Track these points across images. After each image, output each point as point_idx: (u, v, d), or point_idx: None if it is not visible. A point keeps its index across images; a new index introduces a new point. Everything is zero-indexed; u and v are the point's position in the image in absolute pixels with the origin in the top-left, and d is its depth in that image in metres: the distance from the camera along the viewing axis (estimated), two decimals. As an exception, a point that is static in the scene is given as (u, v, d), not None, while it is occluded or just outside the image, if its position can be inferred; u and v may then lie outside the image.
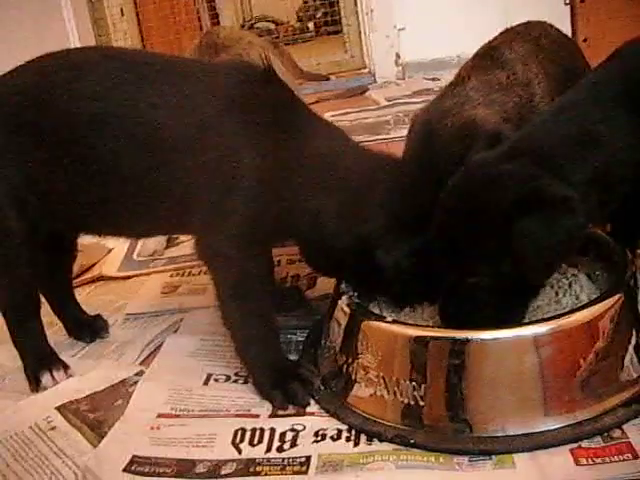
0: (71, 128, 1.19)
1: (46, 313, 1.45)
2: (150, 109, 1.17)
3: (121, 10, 3.78)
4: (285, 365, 1.22)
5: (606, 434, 1.00)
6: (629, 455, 0.96)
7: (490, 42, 1.52)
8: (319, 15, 4.88)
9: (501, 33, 1.55)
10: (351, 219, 1.16)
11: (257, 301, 1.20)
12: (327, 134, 1.24)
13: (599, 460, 0.96)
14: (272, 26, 5.26)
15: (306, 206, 1.17)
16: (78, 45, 3.12)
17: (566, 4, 2.23)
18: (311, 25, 5.10)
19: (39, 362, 1.33)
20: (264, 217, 1.16)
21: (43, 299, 1.41)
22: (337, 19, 4.27)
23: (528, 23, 1.56)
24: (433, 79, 3.47)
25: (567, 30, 1.92)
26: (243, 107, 1.17)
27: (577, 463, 0.96)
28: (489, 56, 1.46)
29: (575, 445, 0.99)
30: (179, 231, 1.50)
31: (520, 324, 1.07)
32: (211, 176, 1.16)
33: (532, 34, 1.51)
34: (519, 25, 1.56)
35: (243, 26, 4.78)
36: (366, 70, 3.82)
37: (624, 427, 1.01)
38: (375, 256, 1.14)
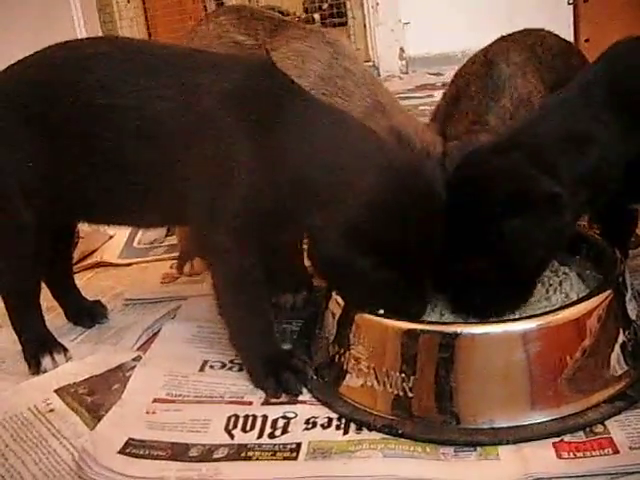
0: (78, 120, 1.21)
1: (46, 298, 1.47)
2: (151, 101, 1.18)
3: (127, -3, 3.79)
4: (278, 355, 1.23)
5: (589, 429, 1.02)
6: (609, 450, 0.97)
7: (485, 53, 1.52)
8: (325, 7, 4.87)
9: (496, 40, 1.55)
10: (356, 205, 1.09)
11: (253, 293, 1.21)
12: (333, 122, 1.17)
13: (580, 454, 0.97)
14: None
15: (313, 193, 1.12)
16: (84, 32, 3.13)
17: (569, 4, 2.24)
18: (317, 16, 5.09)
19: (39, 345, 1.35)
20: (262, 211, 1.16)
21: (43, 284, 1.43)
22: (343, 11, 4.28)
23: (524, 30, 1.57)
24: (437, 74, 3.49)
25: (569, 30, 1.93)
26: (241, 101, 1.17)
27: (559, 456, 0.98)
28: (488, 76, 1.45)
29: (558, 439, 1.01)
30: (180, 223, 1.51)
31: (509, 320, 1.10)
32: (208, 170, 1.16)
33: (528, 42, 1.52)
34: (516, 32, 1.57)
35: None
36: (370, 63, 3.83)
37: (606, 423, 1.03)
38: None
